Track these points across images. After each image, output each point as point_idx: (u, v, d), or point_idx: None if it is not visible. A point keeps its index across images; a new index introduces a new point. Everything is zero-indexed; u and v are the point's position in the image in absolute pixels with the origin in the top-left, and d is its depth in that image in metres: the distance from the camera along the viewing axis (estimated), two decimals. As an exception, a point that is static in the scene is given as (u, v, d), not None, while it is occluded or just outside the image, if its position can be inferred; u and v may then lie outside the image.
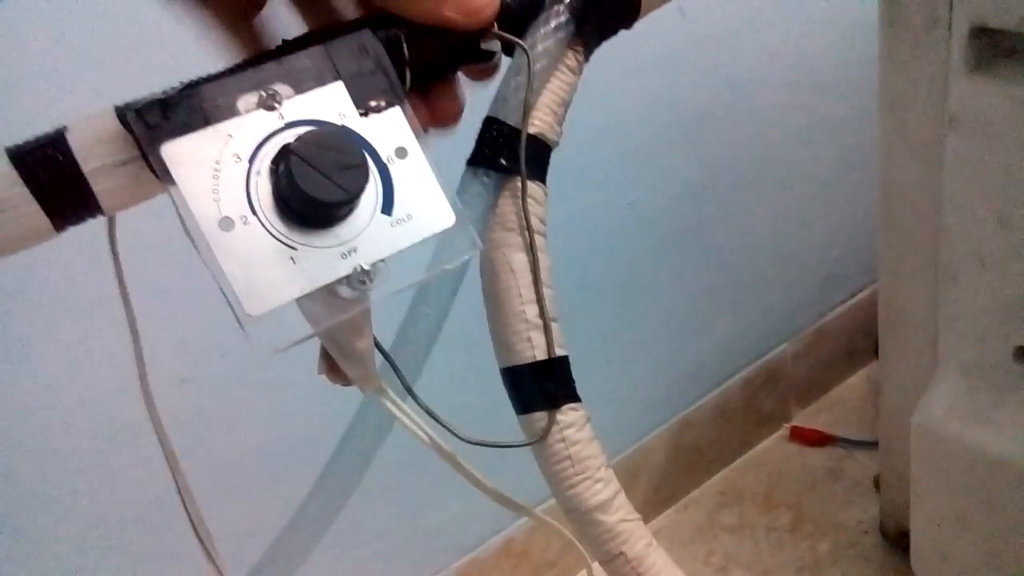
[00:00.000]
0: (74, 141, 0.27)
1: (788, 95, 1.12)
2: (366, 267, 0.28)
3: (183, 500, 0.32)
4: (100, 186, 0.27)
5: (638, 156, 1.01)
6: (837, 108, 1.18)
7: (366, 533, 0.93)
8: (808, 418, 1.33)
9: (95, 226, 0.30)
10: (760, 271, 1.21)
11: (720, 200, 1.12)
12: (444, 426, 0.33)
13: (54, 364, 0.70)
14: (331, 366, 0.32)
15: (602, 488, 0.35)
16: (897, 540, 1.07)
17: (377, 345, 0.33)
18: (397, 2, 0.29)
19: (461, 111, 0.33)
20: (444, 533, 1.00)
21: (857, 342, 1.35)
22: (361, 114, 0.29)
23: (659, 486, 1.20)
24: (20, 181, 0.26)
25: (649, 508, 1.20)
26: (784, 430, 1.32)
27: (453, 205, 0.29)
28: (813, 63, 1.13)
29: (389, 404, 0.32)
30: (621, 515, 0.36)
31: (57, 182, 0.27)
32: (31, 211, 0.27)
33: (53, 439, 0.72)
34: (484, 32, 0.33)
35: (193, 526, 0.32)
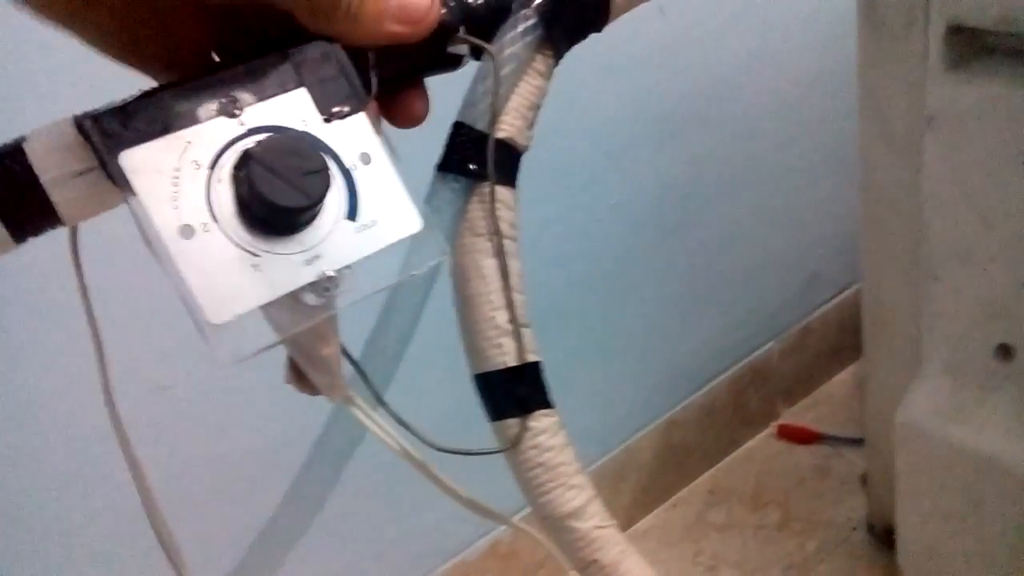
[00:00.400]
0: (32, 151, 0.27)
1: (770, 94, 1.13)
2: (331, 273, 0.28)
3: (146, 506, 0.32)
4: (59, 196, 0.27)
5: (621, 157, 1.01)
6: (820, 107, 1.18)
7: (348, 538, 0.93)
8: (795, 416, 1.33)
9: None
10: (745, 270, 1.21)
11: (704, 200, 1.12)
12: (415, 434, 0.33)
13: (36, 371, 0.69)
14: (298, 374, 0.31)
15: (576, 495, 0.35)
16: (884, 537, 1.07)
17: (345, 353, 0.33)
18: (338, 31, 0.28)
19: (426, 111, 0.32)
20: (429, 536, 1.00)
21: (843, 340, 1.35)
22: (324, 120, 0.29)
23: (647, 486, 1.20)
24: (-24, 192, 0.26)
25: (637, 508, 1.20)
26: (771, 428, 1.32)
27: (420, 210, 0.29)
28: (795, 62, 1.13)
29: (358, 413, 0.32)
30: (595, 522, 0.35)
31: (15, 192, 0.27)
32: (-11, 223, 0.26)
33: (34, 448, 0.71)
34: (450, 36, 0.33)
35: (157, 533, 0.32)
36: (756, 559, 1.14)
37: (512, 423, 0.36)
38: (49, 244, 0.29)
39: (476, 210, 0.35)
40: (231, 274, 0.27)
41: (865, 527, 1.13)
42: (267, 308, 0.27)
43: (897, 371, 0.89)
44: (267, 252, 0.27)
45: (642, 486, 1.20)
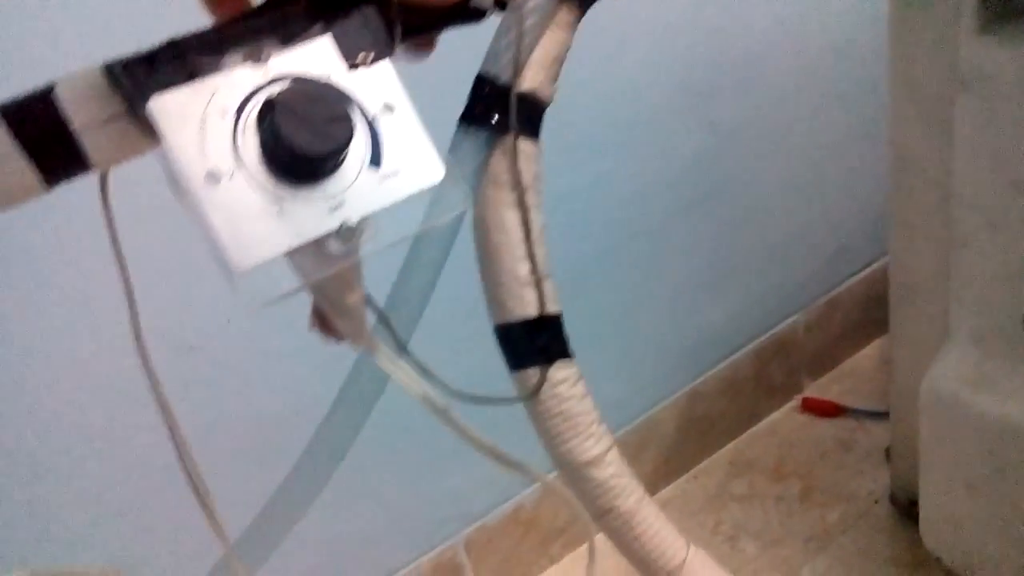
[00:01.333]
0: (62, 97, 0.27)
1: (799, 61, 1.11)
2: (354, 221, 0.28)
3: (180, 456, 0.33)
4: (89, 141, 0.28)
5: (648, 125, 1.01)
6: (849, 74, 1.16)
7: (371, 501, 0.94)
8: (820, 389, 1.33)
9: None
10: (771, 242, 1.20)
11: (731, 169, 1.11)
12: (436, 382, 0.33)
13: (59, 328, 0.71)
14: (322, 321, 0.32)
15: (594, 444, 0.36)
16: (907, 510, 1.07)
17: (369, 301, 0.33)
18: None
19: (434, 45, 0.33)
20: (452, 501, 1.01)
21: (869, 313, 1.34)
22: (349, 68, 0.29)
23: (669, 456, 1.21)
24: (9, 137, 0.27)
25: (659, 478, 1.21)
26: (795, 401, 1.31)
27: (442, 159, 0.29)
28: (824, 28, 1.11)
29: (382, 359, 0.33)
30: (613, 470, 0.36)
31: (46, 138, 0.27)
32: (21, 167, 0.27)
33: (58, 405, 0.73)
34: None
35: (192, 481, 0.33)
36: (777, 530, 1.14)
37: (532, 372, 0.36)
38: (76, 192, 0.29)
39: (498, 162, 0.35)
40: (256, 220, 0.27)
41: (888, 499, 1.12)
42: (291, 255, 0.28)
43: (923, 342, 0.89)
44: (292, 199, 0.28)
45: (664, 456, 1.20)
